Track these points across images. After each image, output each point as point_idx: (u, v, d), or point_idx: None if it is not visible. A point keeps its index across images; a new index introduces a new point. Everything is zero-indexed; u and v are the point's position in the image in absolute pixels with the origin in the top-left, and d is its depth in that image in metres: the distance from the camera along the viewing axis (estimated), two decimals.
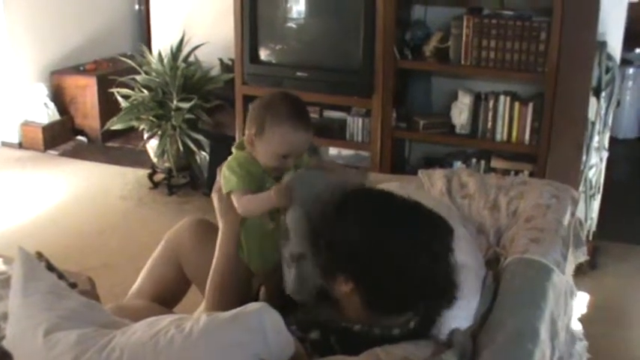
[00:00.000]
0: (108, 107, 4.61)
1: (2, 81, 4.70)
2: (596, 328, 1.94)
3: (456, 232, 1.40)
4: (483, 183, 2.05)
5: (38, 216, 3.78)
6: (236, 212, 1.65)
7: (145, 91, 3.99)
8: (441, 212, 1.45)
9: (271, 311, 1.17)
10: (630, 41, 3.53)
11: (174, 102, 3.91)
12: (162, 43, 4.19)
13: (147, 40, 4.76)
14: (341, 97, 3.36)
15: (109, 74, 4.57)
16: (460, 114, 3.23)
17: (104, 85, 4.63)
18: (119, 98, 4.05)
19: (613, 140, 3.32)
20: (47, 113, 4.80)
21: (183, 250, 1.95)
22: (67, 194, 4.10)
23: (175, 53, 3.98)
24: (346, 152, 3.63)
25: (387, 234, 1.33)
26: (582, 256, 1.97)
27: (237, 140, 3.64)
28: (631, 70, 4.94)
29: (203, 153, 3.96)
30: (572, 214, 1.92)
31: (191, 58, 4.05)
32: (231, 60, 3.77)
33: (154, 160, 4.12)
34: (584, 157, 3.02)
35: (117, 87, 4.08)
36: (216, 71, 4.10)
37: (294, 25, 3.40)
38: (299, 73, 3.34)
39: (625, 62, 3.85)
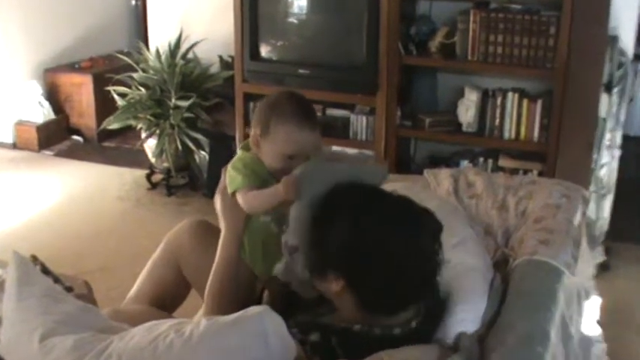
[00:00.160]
0: (104, 106, 4.59)
1: None
2: (607, 331, 1.93)
3: (463, 233, 1.43)
4: (491, 182, 2.05)
5: (33, 218, 3.76)
6: (240, 214, 1.65)
7: (143, 89, 3.97)
8: (447, 212, 1.44)
9: (273, 315, 1.17)
10: None
11: (173, 100, 3.89)
12: (159, 39, 4.18)
13: (144, 37, 4.74)
14: (344, 94, 3.36)
15: (105, 72, 4.57)
16: (467, 111, 3.23)
17: (100, 83, 4.62)
18: (116, 96, 4.03)
19: (625, 138, 3.28)
20: (42, 112, 4.77)
21: (183, 253, 1.94)
22: (62, 196, 4.07)
23: (173, 50, 3.96)
24: (350, 151, 3.63)
25: (374, 230, 1.33)
26: (599, 257, 1.99)
27: (237, 139, 3.67)
28: None
29: (202, 152, 3.96)
30: (583, 215, 1.92)
31: (190, 55, 4.04)
32: (231, 57, 3.77)
33: (152, 160, 4.10)
34: (595, 156, 3.02)
35: (113, 85, 4.07)
36: (215, 68, 4.09)
37: (295, 21, 3.41)
38: (301, 70, 3.34)
39: (638, 57, 3.82)
